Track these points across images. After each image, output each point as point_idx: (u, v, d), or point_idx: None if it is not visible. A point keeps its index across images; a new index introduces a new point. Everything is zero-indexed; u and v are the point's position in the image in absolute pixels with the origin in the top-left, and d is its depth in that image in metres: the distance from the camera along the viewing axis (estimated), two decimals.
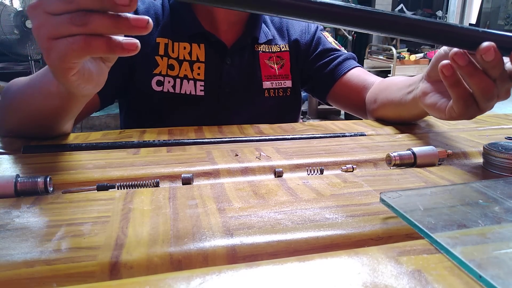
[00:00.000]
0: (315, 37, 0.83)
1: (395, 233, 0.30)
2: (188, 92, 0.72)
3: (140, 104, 0.74)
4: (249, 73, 0.76)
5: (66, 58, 0.34)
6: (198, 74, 0.72)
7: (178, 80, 0.71)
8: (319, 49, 0.82)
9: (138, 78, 0.71)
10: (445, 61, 0.42)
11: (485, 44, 0.38)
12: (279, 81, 0.78)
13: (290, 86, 0.80)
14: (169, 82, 0.71)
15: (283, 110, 0.80)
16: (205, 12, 0.74)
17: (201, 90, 0.72)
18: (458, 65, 0.40)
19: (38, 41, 0.35)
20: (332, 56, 0.81)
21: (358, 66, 0.81)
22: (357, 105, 0.78)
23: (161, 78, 0.71)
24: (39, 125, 0.52)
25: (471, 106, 0.43)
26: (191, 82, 0.72)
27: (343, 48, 0.84)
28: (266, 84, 0.77)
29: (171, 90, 0.71)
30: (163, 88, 0.71)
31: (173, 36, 0.72)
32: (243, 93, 0.76)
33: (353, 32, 4.21)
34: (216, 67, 0.74)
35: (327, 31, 0.92)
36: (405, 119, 0.66)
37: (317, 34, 0.83)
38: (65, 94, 0.43)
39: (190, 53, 0.72)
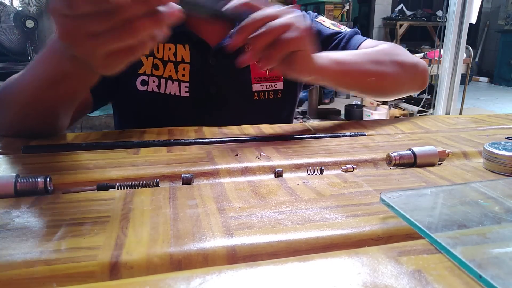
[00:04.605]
0: (312, 28, 0.79)
1: (395, 233, 0.30)
2: (172, 93, 0.71)
3: (127, 105, 0.74)
4: (237, 74, 0.75)
5: (125, 63, 0.38)
6: (183, 75, 0.72)
7: (162, 80, 0.71)
8: (320, 39, 0.79)
9: (123, 78, 0.70)
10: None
11: None
12: (270, 83, 0.77)
13: (281, 88, 0.78)
14: (153, 81, 0.71)
15: (273, 112, 0.78)
16: None
17: (185, 91, 0.72)
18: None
19: (94, 59, 0.37)
20: (336, 41, 0.78)
21: (366, 39, 0.77)
22: None
23: (145, 77, 0.70)
24: (39, 116, 0.52)
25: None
26: (176, 83, 0.71)
27: (343, 27, 0.81)
28: (256, 87, 0.76)
29: (156, 89, 0.71)
30: (147, 87, 0.70)
31: None
32: (230, 95, 0.75)
33: None
34: (200, 67, 0.73)
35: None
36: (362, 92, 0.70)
37: (314, 24, 0.80)
38: (83, 70, 0.44)
39: (175, 54, 0.72)
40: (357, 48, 0.75)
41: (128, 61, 0.38)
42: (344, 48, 0.77)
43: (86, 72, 0.44)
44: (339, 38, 0.78)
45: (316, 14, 0.84)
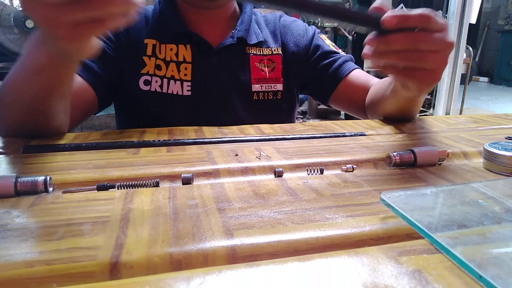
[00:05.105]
0: (314, 41, 0.83)
1: (395, 233, 0.30)
2: (175, 92, 0.72)
3: (130, 105, 0.75)
4: (237, 74, 0.76)
5: (91, 35, 0.39)
6: (185, 74, 0.72)
7: (165, 80, 0.72)
8: (319, 52, 0.82)
9: (126, 78, 0.72)
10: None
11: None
12: (269, 84, 0.78)
13: (281, 89, 0.79)
14: (156, 81, 0.71)
15: (273, 113, 0.79)
16: (190, 13, 0.75)
17: (188, 90, 0.72)
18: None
19: (55, 31, 0.37)
20: (332, 58, 0.81)
21: (358, 67, 0.82)
22: (359, 106, 0.78)
23: (148, 77, 0.71)
24: (34, 113, 0.51)
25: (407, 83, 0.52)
26: (178, 82, 0.72)
27: (340, 50, 0.85)
28: (256, 87, 0.77)
29: (158, 89, 0.71)
30: (150, 87, 0.71)
31: (160, 37, 0.73)
32: (231, 94, 0.76)
33: (353, 32, 4.20)
34: (202, 67, 0.73)
35: (326, 31, 0.94)
36: (399, 113, 0.67)
37: (315, 37, 0.84)
38: (58, 61, 0.45)
39: (176, 54, 0.72)
40: (347, 74, 0.80)
41: (95, 34, 0.38)
42: (337, 69, 0.80)
43: (61, 63, 0.46)
44: (335, 57, 0.82)
45: (319, 30, 0.88)
